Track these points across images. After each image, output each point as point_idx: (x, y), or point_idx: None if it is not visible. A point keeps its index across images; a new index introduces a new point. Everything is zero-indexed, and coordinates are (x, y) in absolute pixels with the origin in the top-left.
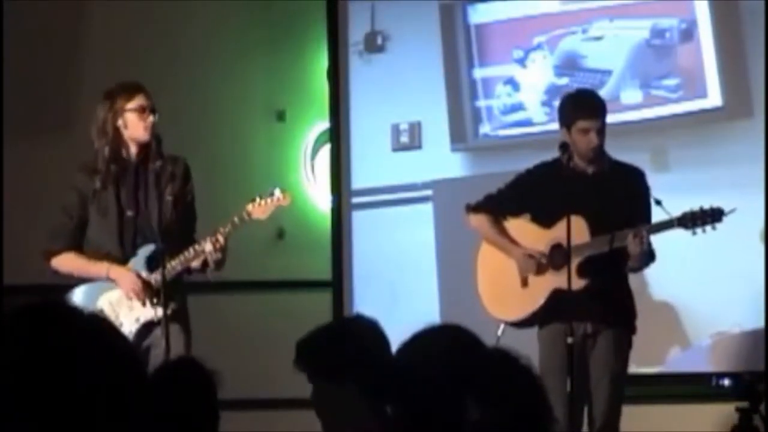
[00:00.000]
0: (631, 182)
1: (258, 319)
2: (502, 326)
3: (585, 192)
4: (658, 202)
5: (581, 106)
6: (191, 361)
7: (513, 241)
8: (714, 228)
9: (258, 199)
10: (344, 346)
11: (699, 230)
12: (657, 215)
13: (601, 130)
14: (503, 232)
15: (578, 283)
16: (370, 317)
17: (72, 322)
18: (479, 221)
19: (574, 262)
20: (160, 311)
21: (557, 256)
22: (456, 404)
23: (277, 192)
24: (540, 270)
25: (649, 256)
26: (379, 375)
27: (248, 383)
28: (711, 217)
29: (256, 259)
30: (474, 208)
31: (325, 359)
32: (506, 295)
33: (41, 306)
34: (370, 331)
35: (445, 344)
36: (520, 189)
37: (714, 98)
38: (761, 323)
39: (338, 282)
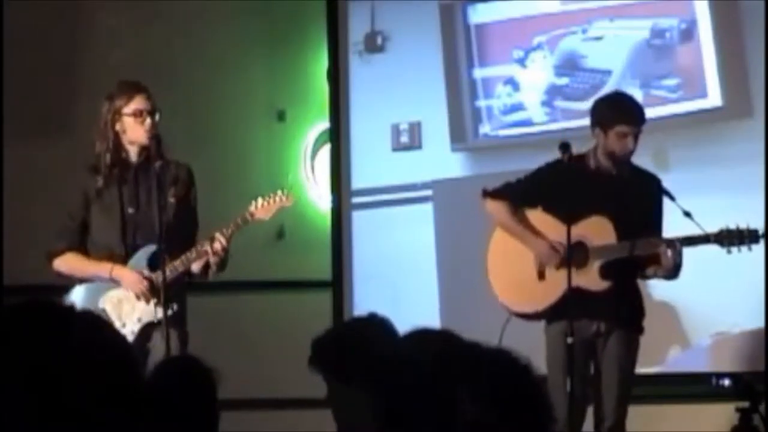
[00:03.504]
0: (649, 188)
1: (258, 319)
2: (508, 317)
3: (609, 193)
4: (687, 214)
5: (624, 110)
6: (191, 360)
7: (536, 232)
8: (750, 249)
9: (260, 200)
10: (351, 345)
11: (735, 249)
12: (684, 226)
13: (637, 137)
14: (524, 222)
15: (601, 285)
16: (382, 316)
17: (69, 321)
18: (497, 207)
19: (596, 262)
20: (161, 312)
21: (578, 254)
22: (451, 402)
23: (280, 192)
24: (560, 265)
25: (677, 269)
26: (369, 375)
27: (248, 383)
28: (749, 238)
29: (256, 259)
30: (492, 194)
31: (332, 359)
32: (520, 285)
33: (37, 305)
34: (379, 330)
35: (440, 342)
36: (542, 182)
37: (714, 98)
38: (761, 323)
39: (338, 282)
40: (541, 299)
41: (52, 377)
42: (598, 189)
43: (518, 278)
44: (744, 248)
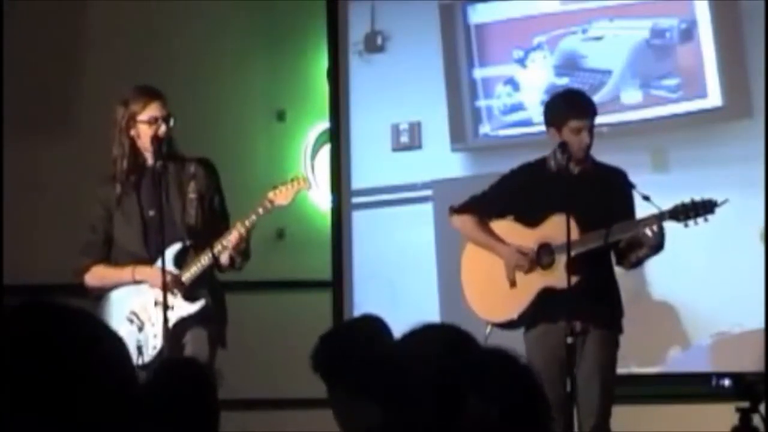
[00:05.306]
0: (614, 181)
1: (258, 319)
2: (489, 327)
3: (572, 191)
4: (647, 198)
5: (573, 105)
6: (191, 361)
7: (502, 240)
8: (706, 220)
9: (280, 187)
10: (336, 348)
11: (691, 223)
12: (647, 210)
13: (592, 130)
14: (490, 232)
15: (567, 280)
16: (375, 317)
17: (67, 321)
18: (463, 222)
19: (563, 259)
20: (191, 308)
21: (545, 255)
22: (451, 401)
23: (300, 177)
24: (529, 269)
25: (660, 245)
26: (371, 373)
27: (248, 383)
28: (703, 209)
29: (256, 259)
30: (458, 210)
31: (321, 362)
32: (494, 296)
33: (36, 305)
34: (369, 332)
35: (441, 341)
36: (506, 190)
37: (714, 98)
38: (761, 323)
39: (338, 282)
40: (514, 306)
41: (50, 378)
42: (558, 189)
43: (491, 289)
44: (701, 221)
